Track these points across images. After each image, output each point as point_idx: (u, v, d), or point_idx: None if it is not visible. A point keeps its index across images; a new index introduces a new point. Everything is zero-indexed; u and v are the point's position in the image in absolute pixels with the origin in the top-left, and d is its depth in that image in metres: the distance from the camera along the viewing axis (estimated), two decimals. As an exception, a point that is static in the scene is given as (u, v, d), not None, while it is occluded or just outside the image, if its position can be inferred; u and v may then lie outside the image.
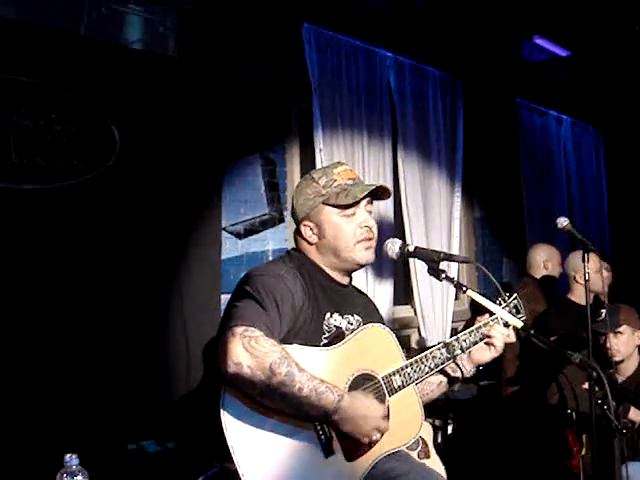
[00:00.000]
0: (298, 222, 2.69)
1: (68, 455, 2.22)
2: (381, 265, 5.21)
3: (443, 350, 2.70)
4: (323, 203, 2.62)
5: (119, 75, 3.83)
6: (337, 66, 5.04)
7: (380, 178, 5.31)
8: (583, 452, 4.13)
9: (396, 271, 5.57)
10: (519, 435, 4.81)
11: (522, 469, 4.66)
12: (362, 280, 5.03)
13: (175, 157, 4.05)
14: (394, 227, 5.42)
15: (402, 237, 5.42)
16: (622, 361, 4.14)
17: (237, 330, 2.24)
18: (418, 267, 5.59)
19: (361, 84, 5.24)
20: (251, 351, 2.19)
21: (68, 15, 3.65)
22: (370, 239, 2.65)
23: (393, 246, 2.74)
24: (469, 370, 2.80)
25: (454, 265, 5.76)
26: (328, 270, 2.66)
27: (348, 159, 5.02)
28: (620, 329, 4.09)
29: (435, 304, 5.78)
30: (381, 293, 5.28)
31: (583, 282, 4.28)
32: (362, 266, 2.71)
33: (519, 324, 2.59)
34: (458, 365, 2.79)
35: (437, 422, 5.09)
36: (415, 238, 5.59)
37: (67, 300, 3.56)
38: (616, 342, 4.10)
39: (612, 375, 4.09)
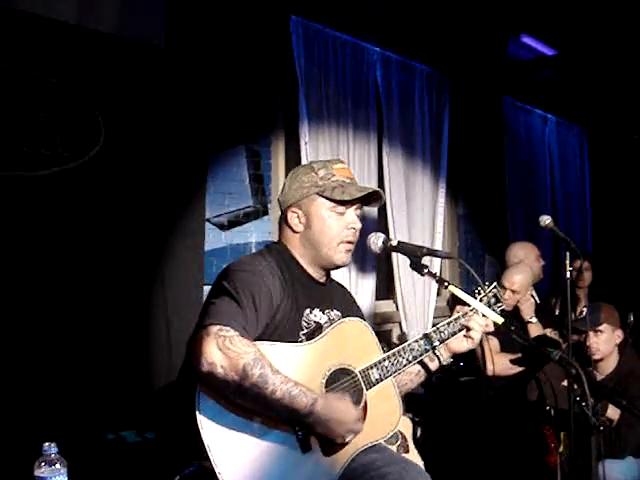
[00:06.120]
0: (286, 207, 2.66)
1: (47, 444, 2.21)
2: (364, 259, 5.22)
3: (421, 342, 2.71)
4: (317, 194, 2.60)
5: (105, 63, 3.81)
6: (324, 60, 5.03)
7: (365, 172, 5.32)
8: (561, 449, 4.16)
9: (379, 265, 5.58)
10: (498, 431, 4.83)
11: (501, 465, 4.68)
12: (345, 274, 5.03)
13: (160, 147, 4.03)
14: (377, 221, 5.42)
15: (385, 232, 5.42)
16: (601, 359, 4.16)
17: (212, 329, 2.23)
18: (401, 262, 5.60)
19: (348, 78, 5.23)
20: (225, 351, 2.19)
21: (54, 1, 3.62)
22: (352, 242, 2.65)
23: (376, 240, 2.75)
24: (446, 358, 2.82)
25: (437, 261, 5.78)
26: (306, 266, 2.65)
27: (333, 153, 5.02)
28: (600, 327, 4.11)
29: (417, 299, 5.79)
30: (363, 287, 5.28)
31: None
32: (337, 267, 2.71)
33: (499, 320, 2.58)
34: (435, 354, 2.80)
35: (417, 417, 5.10)
36: (398, 233, 5.60)
37: (49, 288, 3.55)
38: (596, 340, 4.12)
39: (591, 373, 4.12)
